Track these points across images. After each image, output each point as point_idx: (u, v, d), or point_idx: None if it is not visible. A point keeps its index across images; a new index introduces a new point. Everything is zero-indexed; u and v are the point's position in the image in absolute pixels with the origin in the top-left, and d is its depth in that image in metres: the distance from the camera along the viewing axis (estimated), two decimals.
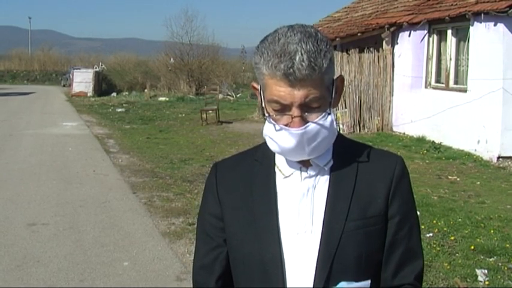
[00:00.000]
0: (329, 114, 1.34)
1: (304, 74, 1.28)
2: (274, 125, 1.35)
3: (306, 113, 1.32)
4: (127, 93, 33.13)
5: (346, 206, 1.37)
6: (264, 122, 1.39)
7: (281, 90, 1.30)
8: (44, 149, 12.40)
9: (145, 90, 31.30)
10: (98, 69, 36.29)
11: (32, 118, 19.15)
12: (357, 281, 1.35)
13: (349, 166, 1.42)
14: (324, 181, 1.40)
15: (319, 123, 1.33)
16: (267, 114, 1.36)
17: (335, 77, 1.38)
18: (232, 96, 28.82)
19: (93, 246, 5.90)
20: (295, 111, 1.31)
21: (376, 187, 1.40)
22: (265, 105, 1.37)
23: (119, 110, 22.50)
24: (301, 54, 1.28)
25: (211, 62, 33.47)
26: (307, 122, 1.32)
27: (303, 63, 1.28)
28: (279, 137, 1.34)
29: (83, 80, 31.49)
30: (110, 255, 5.65)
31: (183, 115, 20.38)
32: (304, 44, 1.29)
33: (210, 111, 18.07)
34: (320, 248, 1.36)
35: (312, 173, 1.40)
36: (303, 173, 1.41)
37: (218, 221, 1.47)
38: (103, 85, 34.55)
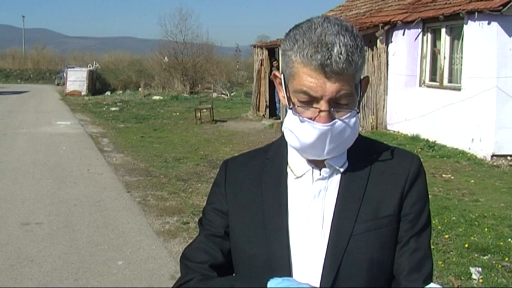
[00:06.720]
0: (357, 113, 1.29)
1: (341, 67, 1.22)
2: (298, 116, 1.27)
3: (333, 109, 1.25)
4: (121, 92, 33.11)
5: (356, 207, 1.31)
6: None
7: (312, 82, 1.23)
8: (38, 148, 12.36)
9: (140, 89, 31.25)
10: (92, 68, 36.25)
11: (25, 117, 19.08)
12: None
13: (362, 167, 1.35)
14: (336, 183, 1.34)
15: (345, 121, 1.27)
16: (291, 105, 1.29)
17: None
18: (227, 95, 28.80)
19: (88, 245, 5.88)
20: (323, 105, 1.24)
21: (391, 186, 1.34)
22: (289, 95, 1.29)
23: (113, 108, 22.45)
24: (340, 46, 1.21)
25: (205, 60, 33.47)
26: (334, 118, 1.26)
27: (341, 56, 1.21)
28: (301, 131, 1.27)
29: (77, 79, 31.47)
30: (104, 254, 5.63)
31: (177, 114, 20.35)
32: (342, 37, 1.22)
33: (204, 110, 18.05)
34: (327, 252, 1.30)
35: (324, 174, 1.34)
36: (315, 174, 1.35)
37: (224, 216, 1.41)
38: (97, 84, 34.52)
